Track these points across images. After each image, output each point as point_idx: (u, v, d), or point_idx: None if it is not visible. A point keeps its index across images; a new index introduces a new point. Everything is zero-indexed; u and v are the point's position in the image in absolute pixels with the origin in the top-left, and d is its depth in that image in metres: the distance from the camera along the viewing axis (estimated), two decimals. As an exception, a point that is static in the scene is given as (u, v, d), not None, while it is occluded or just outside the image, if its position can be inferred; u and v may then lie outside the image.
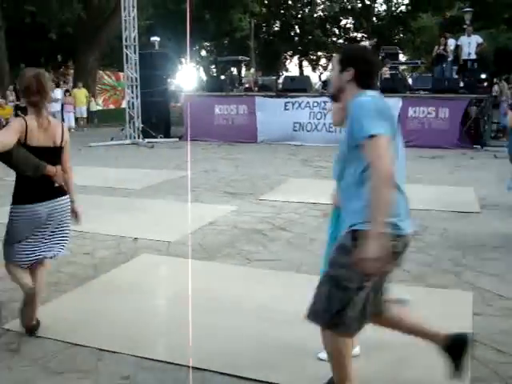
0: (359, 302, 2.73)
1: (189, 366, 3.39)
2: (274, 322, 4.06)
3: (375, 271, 2.58)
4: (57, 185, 3.91)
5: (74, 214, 4.11)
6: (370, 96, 2.78)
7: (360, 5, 43.34)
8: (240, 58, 24.92)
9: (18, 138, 3.69)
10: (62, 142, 3.93)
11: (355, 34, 45.97)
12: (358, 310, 2.75)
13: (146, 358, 3.51)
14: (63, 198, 3.98)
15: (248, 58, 28.33)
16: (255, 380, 3.26)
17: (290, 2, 43.39)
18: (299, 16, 44.22)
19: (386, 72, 17.27)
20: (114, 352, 3.60)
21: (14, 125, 3.77)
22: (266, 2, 41.23)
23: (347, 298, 2.70)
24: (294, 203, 8.07)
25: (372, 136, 2.58)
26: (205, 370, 3.36)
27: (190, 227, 6.69)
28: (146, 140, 16.77)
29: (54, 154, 3.91)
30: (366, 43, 19.08)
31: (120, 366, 3.42)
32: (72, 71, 29.40)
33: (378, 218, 2.53)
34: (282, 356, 3.55)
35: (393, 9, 43.93)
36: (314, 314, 2.84)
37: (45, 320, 4.08)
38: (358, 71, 2.85)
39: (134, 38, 16.87)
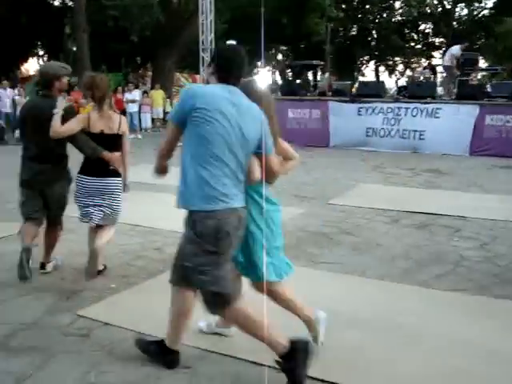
0: (221, 273, 3.14)
1: (245, 360, 3.50)
2: (333, 323, 4.10)
3: None
4: (112, 167, 4.87)
5: (125, 187, 5.09)
6: (198, 87, 3.35)
7: (440, 9, 42.45)
8: (315, 62, 24.89)
9: (82, 127, 4.75)
10: (119, 129, 4.88)
11: (434, 39, 45.04)
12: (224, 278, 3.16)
13: (207, 351, 3.65)
14: (115, 178, 4.93)
15: (323, 63, 28.27)
16: (313, 378, 3.33)
17: (367, 7, 42.97)
18: (377, 21, 43.72)
19: (473, 78, 16.84)
20: (178, 343, 3.75)
21: (79, 116, 4.84)
22: (344, 6, 41.05)
23: (212, 278, 3.12)
24: (362, 208, 8.06)
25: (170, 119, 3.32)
26: (262, 365, 3.46)
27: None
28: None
29: (112, 140, 4.87)
30: (457, 47, 18.43)
31: (182, 357, 3.55)
32: (150, 73, 30.19)
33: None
34: (340, 355, 3.61)
35: (475, 13, 42.78)
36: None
37: (114, 309, 4.30)
38: (217, 66, 3.28)
39: (211, 42, 17.20)
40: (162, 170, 3.60)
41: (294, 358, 3.16)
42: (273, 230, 3.42)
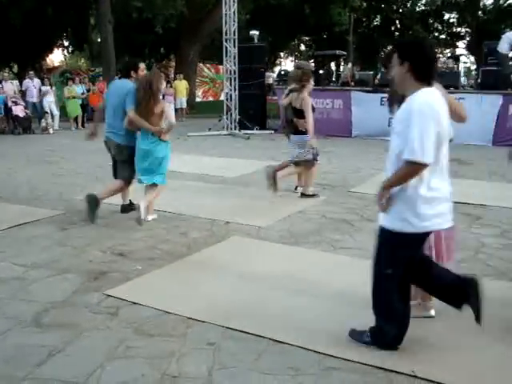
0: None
1: (269, 338, 3.63)
2: (351, 306, 4.22)
3: None
4: (300, 128, 7.80)
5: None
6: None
7: (465, -2, 41.84)
8: (337, 52, 24.82)
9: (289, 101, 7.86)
10: (300, 106, 7.71)
11: (458, 29, 44.52)
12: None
13: (231, 329, 3.78)
14: (302, 135, 7.83)
15: (345, 53, 28.17)
16: (330, 355, 3.45)
17: (391, -4, 42.58)
18: (400, 10, 43.30)
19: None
20: (203, 321, 3.89)
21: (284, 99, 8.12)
22: (367, -4, 40.72)
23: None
24: (383, 196, 8.09)
25: None
26: (283, 342, 3.59)
27: (279, 214, 6.94)
28: (243, 131, 17.15)
29: (296, 112, 7.75)
30: None
31: (207, 334, 3.70)
32: (173, 63, 30.36)
33: None
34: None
35: (500, 2, 42.07)
36: None
37: (141, 289, 4.46)
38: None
39: (234, 32, 17.27)
40: None
41: None
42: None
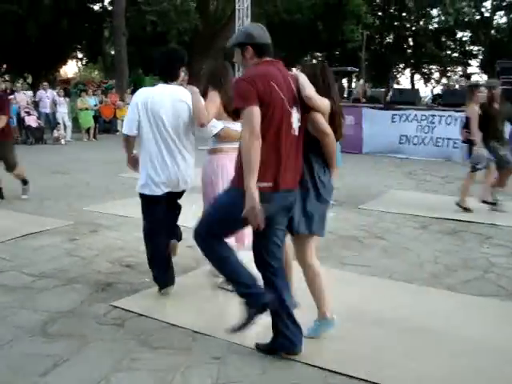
0: None
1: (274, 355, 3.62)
2: (359, 322, 4.20)
3: None
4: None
5: None
6: None
7: (478, 17, 41.91)
8: (349, 68, 24.94)
9: None
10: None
11: (471, 48, 44.53)
12: None
13: (236, 343, 3.76)
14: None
15: (357, 69, 28.27)
16: (335, 372, 3.43)
17: (404, 14, 42.68)
18: (413, 28, 43.40)
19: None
20: (208, 335, 3.88)
21: None
22: (380, 13, 40.88)
23: None
24: (392, 213, 8.08)
25: None
26: (287, 358, 3.57)
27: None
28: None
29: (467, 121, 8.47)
30: None
31: (212, 348, 3.69)
32: (186, 77, 30.47)
33: None
34: (364, 351, 3.69)
35: (514, 20, 42.07)
36: None
37: (148, 302, 4.46)
38: None
39: (247, 47, 17.37)
40: None
41: None
42: None
